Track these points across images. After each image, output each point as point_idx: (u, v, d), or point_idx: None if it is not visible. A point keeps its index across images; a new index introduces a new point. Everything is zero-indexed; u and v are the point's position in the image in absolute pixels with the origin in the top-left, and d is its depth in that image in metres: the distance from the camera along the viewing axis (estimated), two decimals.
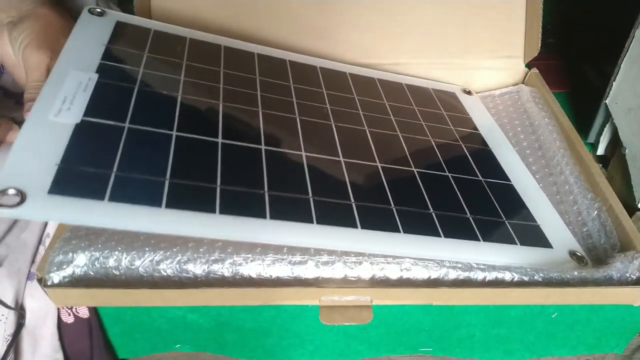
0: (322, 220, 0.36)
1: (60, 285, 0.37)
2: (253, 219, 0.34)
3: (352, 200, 0.39)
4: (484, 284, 0.39)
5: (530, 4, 0.57)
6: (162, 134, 0.38)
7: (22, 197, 0.29)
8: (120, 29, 0.48)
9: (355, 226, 0.37)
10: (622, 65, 0.53)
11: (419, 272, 0.39)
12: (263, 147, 0.41)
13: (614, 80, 0.54)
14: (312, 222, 0.36)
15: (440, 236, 0.38)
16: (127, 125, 0.37)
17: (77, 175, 0.32)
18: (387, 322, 0.46)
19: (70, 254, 0.37)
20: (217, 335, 0.46)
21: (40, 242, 0.46)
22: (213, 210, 0.34)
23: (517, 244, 0.40)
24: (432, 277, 0.39)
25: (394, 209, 0.39)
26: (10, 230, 0.45)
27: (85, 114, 0.37)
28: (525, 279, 0.39)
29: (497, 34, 0.58)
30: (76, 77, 0.39)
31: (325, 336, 0.47)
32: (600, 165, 0.56)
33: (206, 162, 0.37)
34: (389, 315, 0.45)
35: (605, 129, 0.57)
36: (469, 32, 0.58)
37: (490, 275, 0.39)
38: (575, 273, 0.39)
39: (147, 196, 0.33)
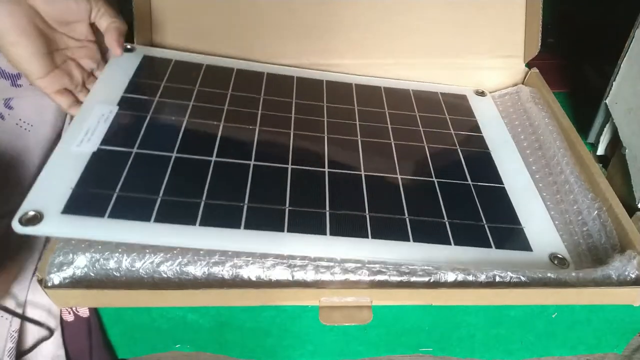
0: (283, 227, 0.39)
1: (60, 286, 0.37)
2: (227, 229, 0.38)
3: (327, 209, 0.41)
4: (484, 284, 0.39)
5: (530, 3, 0.57)
6: (163, 156, 0.42)
7: (40, 217, 0.35)
8: (145, 62, 0.52)
9: (324, 233, 0.39)
10: (622, 65, 0.53)
11: (419, 275, 0.39)
12: (252, 162, 0.43)
13: (614, 80, 0.54)
14: (283, 230, 0.38)
15: (409, 240, 0.39)
16: (135, 150, 0.42)
17: (86, 196, 0.37)
18: (387, 322, 0.46)
19: (71, 255, 0.37)
20: (217, 335, 0.46)
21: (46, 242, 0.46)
22: (193, 223, 0.37)
23: (491, 247, 0.41)
24: (431, 279, 0.39)
25: (367, 216, 0.41)
26: None
27: (102, 143, 0.41)
28: (525, 279, 0.39)
29: (497, 33, 0.58)
30: (99, 110, 0.44)
31: (325, 336, 0.47)
32: (600, 165, 0.56)
33: (197, 179, 0.41)
34: (389, 316, 0.45)
35: (605, 129, 0.57)
36: (468, 32, 0.58)
37: (490, 276, 0.39)
38: (573, 274, 0.39)
39: (139, 212, 0.37)
